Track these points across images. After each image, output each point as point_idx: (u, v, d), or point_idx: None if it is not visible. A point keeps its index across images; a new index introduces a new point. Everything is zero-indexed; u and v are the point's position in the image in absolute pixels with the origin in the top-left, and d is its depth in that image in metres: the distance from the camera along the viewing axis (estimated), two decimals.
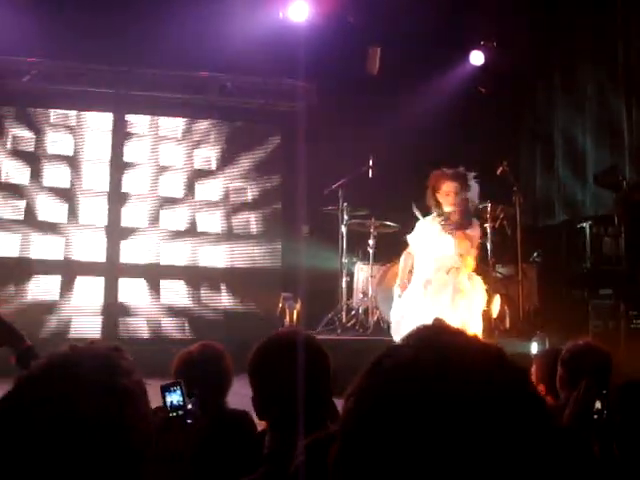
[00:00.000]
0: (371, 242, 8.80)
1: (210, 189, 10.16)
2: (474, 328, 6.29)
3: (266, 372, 2.49)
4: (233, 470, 3.05)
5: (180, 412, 2.49)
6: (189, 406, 2.49)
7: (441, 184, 6.51)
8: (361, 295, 8.92)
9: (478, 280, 6.66)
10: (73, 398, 1.28)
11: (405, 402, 0.93)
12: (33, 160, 9.74)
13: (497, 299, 8.53)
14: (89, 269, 9.74)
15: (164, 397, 2.49)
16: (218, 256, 10.10)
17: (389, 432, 0.92)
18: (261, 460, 2.84)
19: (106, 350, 1.39)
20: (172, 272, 9.95)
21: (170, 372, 3.34)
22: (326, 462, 1.06)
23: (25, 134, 9.74)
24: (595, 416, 2.67)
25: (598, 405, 2.67)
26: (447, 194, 6.46)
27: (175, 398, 2.50)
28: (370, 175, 8.75)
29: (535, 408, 0.96)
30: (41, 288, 9.56)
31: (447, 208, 6.47)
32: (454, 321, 6.14)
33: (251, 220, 10.23)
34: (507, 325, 8.55)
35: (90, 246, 9.79)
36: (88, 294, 9.68)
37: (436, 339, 1.02)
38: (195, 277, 10.01)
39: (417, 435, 0.91)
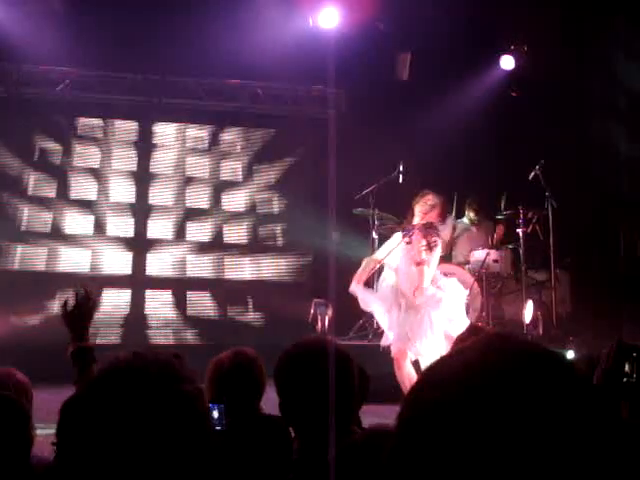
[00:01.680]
0: None
1: (239, 197, 10.20)
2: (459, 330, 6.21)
3: (292, 378, 2.48)
4: (268, 476, 3.06)
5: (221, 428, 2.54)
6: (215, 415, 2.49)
7: (426, 195, 6.63)
8: None
9: (450, 282, 6.69)
10: (137, 403, 1.29)
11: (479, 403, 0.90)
12: (60, 172, 9.85)
13: (530, 305, 8.47)
14: (115, 281, 9.82)
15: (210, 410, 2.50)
16: (248, 263, 10.12)
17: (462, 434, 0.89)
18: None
19: (167, 357, 1.40)
20: (200, 281, 10.01)
21: (203, 378, 3.35)
22: (355, 469, 1.06)
23: (53, 145, 9.84)
24: (624, 379, 2.64)
25: (627, 368, 2.64)
26: (425, 202, 6.56)
27: (215, 415, 2.57)
28: (400, 180, 8.72)
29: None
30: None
31: (417, 219, 6.58)
32: (437, 335, 6.23)
33: (281, 227, 10.25)
34: (540, 331, 8.47)
35: (116, 258, 9.86)
36: (114, 306, 9.74)
37: (496, 343, 0.98)
38: (225, 284, 10.04)
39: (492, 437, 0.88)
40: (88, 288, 2.86)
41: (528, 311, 8.41)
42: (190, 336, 9.86)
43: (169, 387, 1.34)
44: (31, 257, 9.68)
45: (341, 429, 2.32)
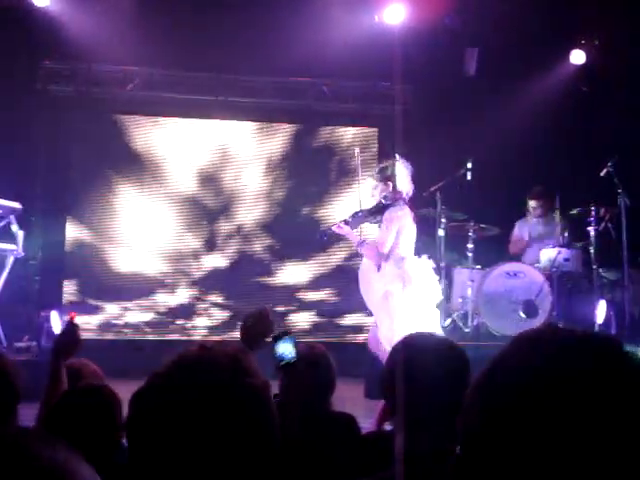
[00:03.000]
0: (470, 246, 8.69)
1: (305, 194, 10.20)
2: (427, 323, 5.92)
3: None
4: (338, 473, 3.03)
5: (291, 361, 2.58)
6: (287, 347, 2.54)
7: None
8: (460, 299, 8.80)
9: (416, 269, 6.12)
10: (207, 395, 1.30)
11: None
12: (131, 171, 9.99)
13: (602, 304, 8.29)
14: (174, 284, 9.93)
15: (275, 347, 2.56)
16: (313, 260, 10.11)
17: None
18: (367, 463, 2.81)
19: (235, 350, 1.41)
20: (264, 282, 10.04)
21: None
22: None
23: (123, 145, 10.00)
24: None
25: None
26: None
27: (287, 348, 2.58)
28: (469, 177, 8.62)
29: None
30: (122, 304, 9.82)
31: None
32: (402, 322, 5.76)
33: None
34: (613, 331, 8.27)
35: (177, 260, 9.97)
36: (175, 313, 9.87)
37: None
38: (290, 284, 10.06)
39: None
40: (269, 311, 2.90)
41: (600, 311, 8.23)
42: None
43: (238, 379, 1.35)
44: (91, 260, 9.83)
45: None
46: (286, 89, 10.14)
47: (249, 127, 10.23)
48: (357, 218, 6.26)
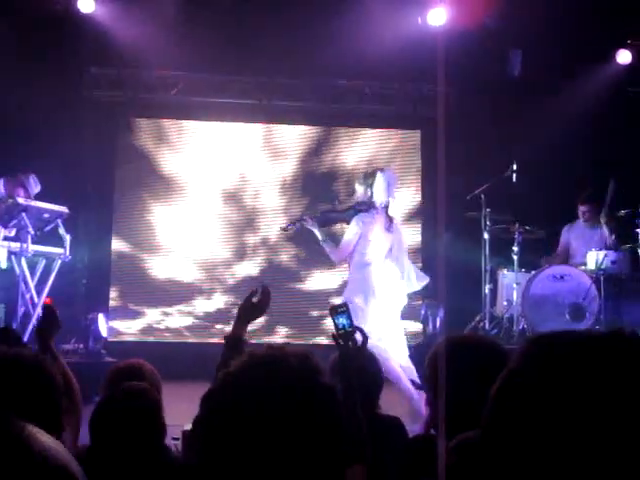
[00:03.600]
0: (515, 248, 8.60)
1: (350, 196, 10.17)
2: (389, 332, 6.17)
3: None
4: (386, 476, 3.01)
5: (349, 330, 2.73)
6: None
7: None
8: (505, 303, 8.72)
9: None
10: (277, 394, 1.31)
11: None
12: (174, 177, 10.07)
13: None
14: (210, 291, 9.99)
15: (334, 319, 2.76)
16: (342, 267, 10.06)
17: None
18: (414, 467, 2.79)
19: (302, 350, 1.43)
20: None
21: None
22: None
23: (171, 150, 10.08)
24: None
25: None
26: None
27: (344, 320, 2.75)
28: (514, 179, 8.54)
29: None
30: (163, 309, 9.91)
31: None
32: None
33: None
34: None
35: (211, 269, 10.02)
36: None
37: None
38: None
39: None
40: (268, 289, 3.05)
41: None
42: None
43: (309, 378, 1.36)
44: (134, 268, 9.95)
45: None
46: (329, 92, 10.15)
47: (292, 130, 10.24)
48: (326, 216, 6.73)
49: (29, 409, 1.92)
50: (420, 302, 8.73)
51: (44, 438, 0.91)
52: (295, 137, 10.23)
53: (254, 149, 10.15)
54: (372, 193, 6.50)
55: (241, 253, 10.09)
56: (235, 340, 2.84)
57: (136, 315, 9.81)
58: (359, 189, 6.59)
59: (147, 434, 2.66)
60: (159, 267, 9.95)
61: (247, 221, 10.13)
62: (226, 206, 10.08)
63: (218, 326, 9.80)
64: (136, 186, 10.02)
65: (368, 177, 6.61)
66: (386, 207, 6.59)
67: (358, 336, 2.76)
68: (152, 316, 9.85)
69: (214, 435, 1.29)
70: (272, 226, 9.93)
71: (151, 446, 2.66)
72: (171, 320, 9.90)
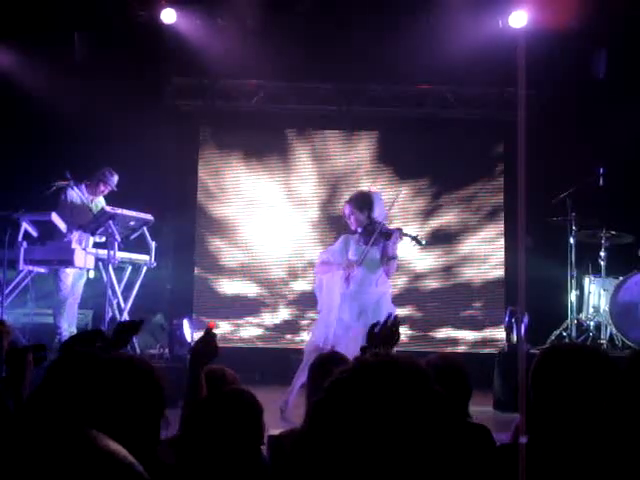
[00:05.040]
0: (602, 254, 8.39)
1: (432, 200, 10.10)
2: None
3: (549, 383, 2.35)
4: None
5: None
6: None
7: None
8: (592, 310, 8.50)
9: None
10: (392, 401, 1.30)
11: None
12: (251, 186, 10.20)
13: None
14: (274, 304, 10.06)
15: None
16: (436, 269, 10.00)
17: None
18: (501, 476, 2.73)
19: (410, 358, 1.41)
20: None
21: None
22: None
23: (249, 158, 10.19)
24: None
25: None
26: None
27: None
28: (601, 183, 8.33)
29: None
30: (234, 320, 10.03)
31: None
32: None
33: (472, 232, 10.06)
34: None
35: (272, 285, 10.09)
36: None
37: None
38: (414, 292, 9.98)
39: None
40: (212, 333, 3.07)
41: None
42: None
43: (424, 385, 1.35)
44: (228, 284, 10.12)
45: None
46: (410, 97, 10.11)
47: (372, 136, 10.22)
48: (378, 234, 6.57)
49: (132, 416, 1.95)
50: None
51: (110, 441, 1.00)
52: (377, 143, 10.18)
53: (334, 157, 10.17)
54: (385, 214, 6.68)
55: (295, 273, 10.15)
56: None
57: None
58: (377, 211, 6.62)
59: (249, 436, 2.69)
60: (225, 284, 10.14)
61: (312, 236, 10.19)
62: (296, 218, 10.19)
63: (288, 336, 9.94)
64: (216, 196, 10.16)
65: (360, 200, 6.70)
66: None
67: None
68: (224, 327, 9.92)
69: (328, 444, 1.28)
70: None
71: (251, 449, 2.69)
72: (243, 331, 10.02)
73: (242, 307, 10.04)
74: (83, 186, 8.35)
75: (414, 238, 6.66)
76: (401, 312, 9.76)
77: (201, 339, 3.07)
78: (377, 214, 6.54)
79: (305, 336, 9.58)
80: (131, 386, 1.99)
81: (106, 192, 8.47)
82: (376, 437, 1.26)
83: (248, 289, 10.08)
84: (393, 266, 6.59)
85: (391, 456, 1.25)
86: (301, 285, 9.96)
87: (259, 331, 10.03)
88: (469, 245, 10.03)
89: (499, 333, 9.38)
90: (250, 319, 10.02)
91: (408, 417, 1.28)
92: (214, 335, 3.10)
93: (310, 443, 1.30)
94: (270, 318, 10.04)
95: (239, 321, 10.00)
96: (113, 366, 2.06)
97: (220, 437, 2.62)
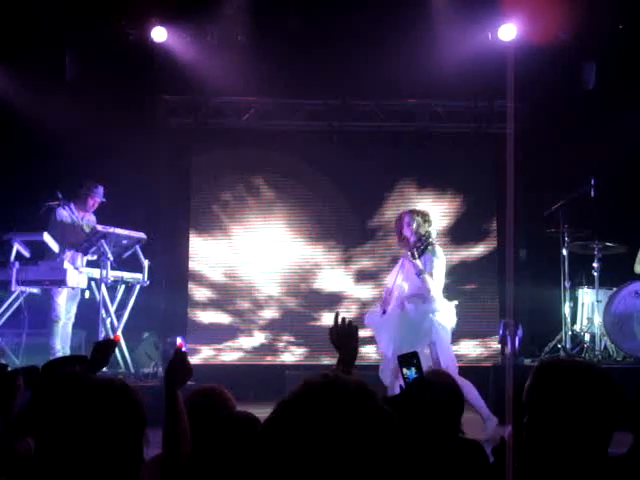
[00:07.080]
0: (596, 265, 8.40)
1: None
2: None
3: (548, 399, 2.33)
4: None
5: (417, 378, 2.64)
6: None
7: None
8: (586, 321, 8.51)
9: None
10: (337, 420, 1.32)
11: None
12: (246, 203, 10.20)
13: None
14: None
15: (401, 369, 2.67)
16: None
17: None
18: None
19: (357, 378, 1.45)
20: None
21: None
22: None
23: (244, 176, 10.21)
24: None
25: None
26: None
27: (409, 371, 2.66)
28: (592, 194, 8.35)
29: None
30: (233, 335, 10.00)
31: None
32: None
33: (464, 245, 10.05)
34: None
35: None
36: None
37: None
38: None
39: None
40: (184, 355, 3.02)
41: None
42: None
43: (367, 403, 1.37)
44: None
45: None
46: (399, 112, 10.13)
47: (365, 152, 10.23)
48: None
49: (112, 436, 1.95)
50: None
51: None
52: (365, 158, 10.19)
53: (325, 174, 10.16)
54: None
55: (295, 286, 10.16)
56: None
57: (211, 340, 9.90)
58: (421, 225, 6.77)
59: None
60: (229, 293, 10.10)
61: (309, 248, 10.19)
62: (289, 236, 10.20)
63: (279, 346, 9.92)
64: (210, 212, 10.16)
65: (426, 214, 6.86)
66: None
67: None
68: (223, 342, 9.91)
69: (275, 463, 1.31)
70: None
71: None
72: (244, 344, 9.98)
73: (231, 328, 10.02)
74: (72, 205, 8.34)
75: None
76: None
77: (173, 360, 3.03)
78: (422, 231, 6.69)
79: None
80: (107, 407, 1.99)
81: (97, 205, 8.47)
82: (319, 456, 1.29)
83: (244, 305, 10.07)
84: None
85: (335, 475, 1.28)
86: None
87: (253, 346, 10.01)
88: (461, 256, 10.02)
89: (495, 344, 9.38)
90: (244, 338, 9.99)
91: (351, 435, 1.30)
92: (184, 354, 3.07)
93: (259, 461, 1.35)
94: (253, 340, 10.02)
95: (238, 337, 9.97)
96: (88, 388, 2.05)
97: (223, 460, 2.61)
